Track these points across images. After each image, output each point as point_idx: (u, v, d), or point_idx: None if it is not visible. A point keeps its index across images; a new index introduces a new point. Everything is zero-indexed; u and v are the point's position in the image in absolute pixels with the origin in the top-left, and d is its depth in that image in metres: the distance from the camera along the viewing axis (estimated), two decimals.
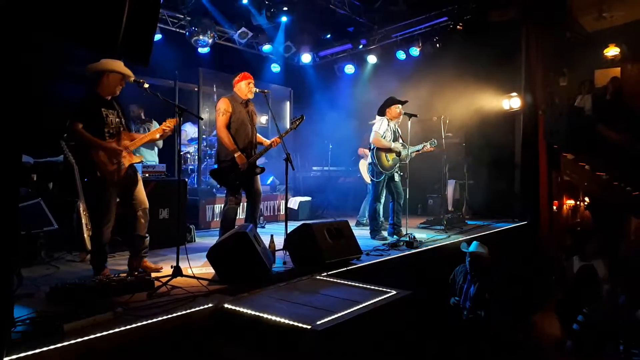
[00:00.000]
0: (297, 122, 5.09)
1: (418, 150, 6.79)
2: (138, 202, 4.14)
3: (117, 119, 4.06)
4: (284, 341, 2.80)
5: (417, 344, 3.52)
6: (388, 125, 6.34)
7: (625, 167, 7.81)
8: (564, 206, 9.39)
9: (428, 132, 7.99)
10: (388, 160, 6.26)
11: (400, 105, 6.37)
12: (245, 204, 5.23)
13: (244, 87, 5.00)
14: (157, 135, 4.19)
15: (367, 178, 7.33)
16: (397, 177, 6.39)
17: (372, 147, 6.37)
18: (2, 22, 1.84)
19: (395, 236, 6.22)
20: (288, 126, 5.26)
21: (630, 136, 7.75)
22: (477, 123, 8.50)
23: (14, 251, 2.06)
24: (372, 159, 6.32)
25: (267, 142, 5.17)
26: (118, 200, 4.10)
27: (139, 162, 4.30)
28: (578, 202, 9.39)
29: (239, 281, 3.66)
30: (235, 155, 4.83)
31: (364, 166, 7.61)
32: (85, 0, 2.09)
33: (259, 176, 5.11)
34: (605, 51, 9.32)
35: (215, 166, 5.11)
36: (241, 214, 6.08)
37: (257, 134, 5.20)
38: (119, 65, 3.96)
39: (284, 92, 10.76)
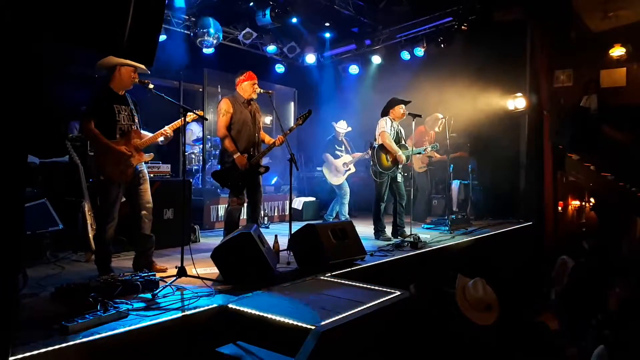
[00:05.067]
0: (304, 117, 4.96)
1: (420, 153, 6.78)
2: (143, 201, 4.15)
3: (128, 116, 4.08)
4: (289, 341, 2.79)
5: (421, 344, 3.50)
6: (391, 125, 6.32)
7: (631, 168, 7.77)
8: (569, 207, 9.34)
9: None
10: (388, 160, 6.22)
11: (404, 106, 6.35)
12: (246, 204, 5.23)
13: (249, 87, 4.96)
14: (161, 138, 4.20)
15: (331, 180, 7.57)
16: (399, 178, 6.35)
17: (373, 146, 6.34)
18: (5, 23, 1.85)
19: (398, 237, 6.21)
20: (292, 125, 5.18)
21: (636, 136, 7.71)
22: (482, 123, 8.46)
23: (19, 251, 2.07)
24: (372, 158, 6.29)
25: (271, 140, 5.15)
26: (124, 199, 4.12)
27: (148, 161, 4.31)
28: (583, 203, 9.35)
29: (243, 281, 3.66)
30: (235, 156, 4.82)
31: (326, 169, 7.70)
32: (89, 1, 2.09)
33: (261, 176, 5.11)
34: (610, 51, 9.25)
35: (219, 167, 5.10)
36: (245, 215, 6.08)
37: (262, 132, 5.18)
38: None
39: (289, 92, 10.76)
